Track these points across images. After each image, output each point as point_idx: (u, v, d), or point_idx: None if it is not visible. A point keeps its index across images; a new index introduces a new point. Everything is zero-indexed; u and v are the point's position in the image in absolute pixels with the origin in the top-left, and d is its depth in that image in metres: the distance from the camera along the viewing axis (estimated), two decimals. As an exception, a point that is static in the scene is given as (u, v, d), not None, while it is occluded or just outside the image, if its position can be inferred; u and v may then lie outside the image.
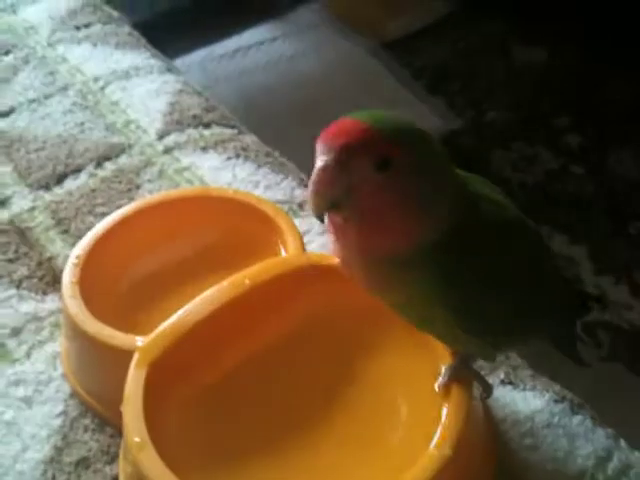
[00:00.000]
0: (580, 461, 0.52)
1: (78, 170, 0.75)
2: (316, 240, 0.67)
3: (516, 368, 0.58)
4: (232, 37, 1.94)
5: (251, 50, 1.91)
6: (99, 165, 0.75)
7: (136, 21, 1.22)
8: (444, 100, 1.68)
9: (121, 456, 0.50)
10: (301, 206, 0.70)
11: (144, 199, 0.63)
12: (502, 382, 0.56)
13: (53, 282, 0.64)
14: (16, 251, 0.67)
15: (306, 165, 0.78)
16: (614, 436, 0.54)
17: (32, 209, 0.71)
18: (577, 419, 0.54)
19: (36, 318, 0.61)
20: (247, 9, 2.01)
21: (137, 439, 0.44)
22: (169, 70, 0.90)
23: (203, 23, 1.91)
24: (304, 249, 0.57)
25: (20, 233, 0.68)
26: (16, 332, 0.60)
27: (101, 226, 0.58)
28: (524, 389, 0.56)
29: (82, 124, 0.81)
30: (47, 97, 0.85)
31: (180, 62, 1.81)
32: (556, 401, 0.55)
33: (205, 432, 0.49)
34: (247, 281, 0.52)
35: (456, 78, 1.76)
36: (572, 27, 1.81)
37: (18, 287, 0.64)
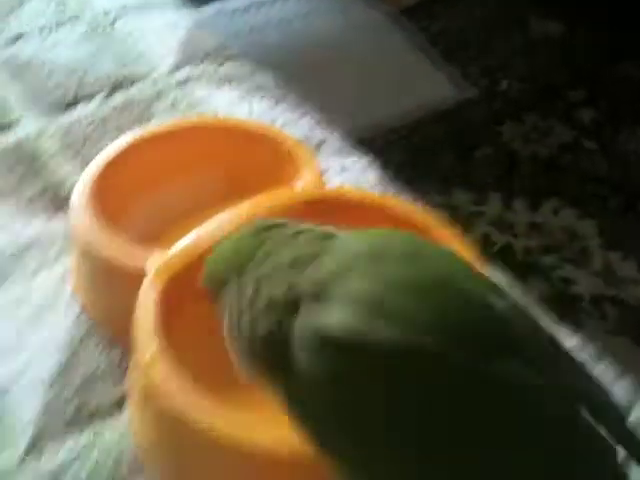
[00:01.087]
0: None
1: (88, 98, 0.73)
2: (334, 179, 0.66)
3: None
4: (246, -7, 1.91)
5: (264, 6, 1.87)
6: (110, 94, 0.74)
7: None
8: (459, 68, 1.66)
9: (131, 372, 0.49)
10: (318, 146, 0.69)
11: (161, 124, 0.61)
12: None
13: (61, 204, 0.63)
14: (24, 172, 0.66)
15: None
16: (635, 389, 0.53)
17: (41, 133, 0.70)
18: (599, 368, 0.54)
19: (43, 238, 0.60)
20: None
21: (148, 354, 0.43)
22: (185, 6, 0.88)
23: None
24: (322, 184, 0.56)
25: (29, 155, 0.67)
26: (24, 250, 0.59)
27: (115, 147, 0.57)
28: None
29: (94, 53, 0.79)
30: (59, 24, 0.83)
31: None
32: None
33: (209, 356, 0.48)
34: (263, 206, 0.51)
35: (472, 46, 1.74)
36: (592, 2, 1.79)
37: (26, 207, 0.63)
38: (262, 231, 0.35)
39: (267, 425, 0.39)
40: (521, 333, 0.30)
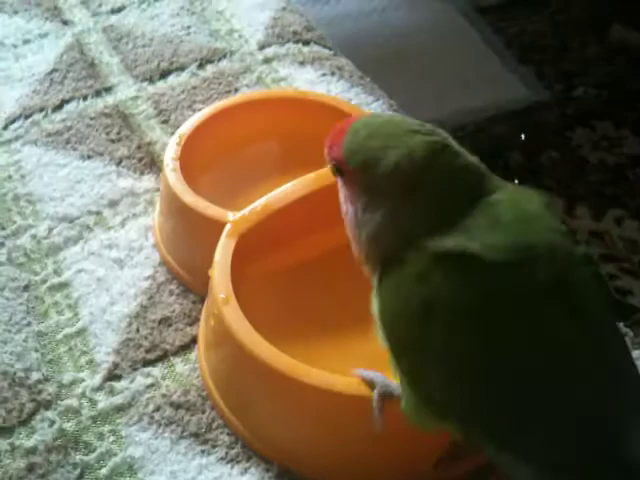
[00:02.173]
0: None
1: (181, 68, 0.78)
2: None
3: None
4: (328, -16, 1.94)
5: (344, -1, 1.91)
6: (201, 66, 0.79)
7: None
8: (534, 71, 1.66)
9: (202, 317, 0.54)
10: (389, 127, 0.73)
11: (247, 93, 0.66)
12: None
13: (150, 164, 0.68)
14: (118, 133, 0.71)
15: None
16: None
17: (136, 98, 0.75)
18: None
19: (132, 193, 0.65)
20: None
21: (222, 295, 0.47)
22: (274, -12, 0.92)
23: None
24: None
25: (123, 117, 0.73)
26: (113, 203, 0.65)
27: (204, 112, 0.62)
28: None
29: (188, 27, 0.84)
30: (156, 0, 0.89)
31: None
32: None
33: (276, 307, 0.53)
34: (329, 176, 0.54)
35: (549, 50, 1.74)
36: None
37: (118, 165, 0.68)
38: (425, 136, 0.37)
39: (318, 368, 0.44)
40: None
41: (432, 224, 0.35)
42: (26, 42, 0.84)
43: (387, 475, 0.44)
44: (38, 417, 0.50)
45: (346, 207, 0.40)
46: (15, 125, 0.73)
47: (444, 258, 0.34)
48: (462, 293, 0.34)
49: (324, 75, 0.78)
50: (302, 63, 0.79)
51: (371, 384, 0.41)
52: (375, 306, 0.37)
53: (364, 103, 0.75)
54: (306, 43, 0.82)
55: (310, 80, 0.77)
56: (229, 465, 0.47)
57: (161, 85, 0.76)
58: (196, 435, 0.48)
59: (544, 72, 1.67)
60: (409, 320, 0.35)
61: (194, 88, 0.75)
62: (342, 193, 0.40)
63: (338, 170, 0.39)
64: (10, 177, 0.68)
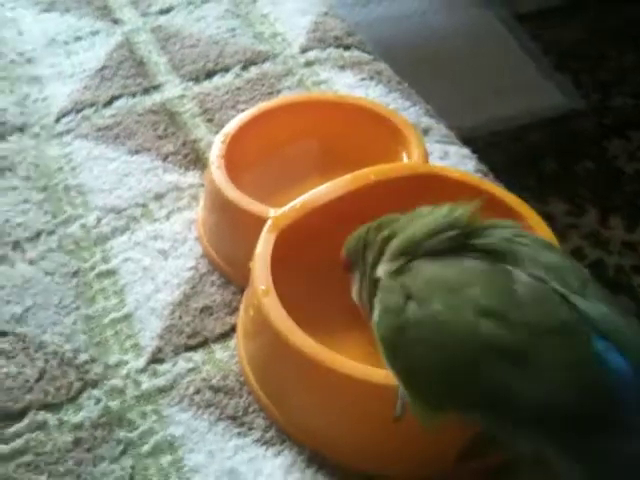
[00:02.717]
0: None
1: (226, 69, 0.81)
2: (435, 163, 0.71)
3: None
4: (369, -14, 1.96)
5: (385, 1, 1.93)
6: (245, 68, 0.82)
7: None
8: (571, 79, 1.67)
9: (242, 307, 0.57)
10: (426, 132, 0.75)
11: (289, 96, 0.69)
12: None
13: (195, 160, 0.71)
14: (165, 129, 0.74)
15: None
16: None
17: (182, 97, 0.78)
18: None
19: (178, 188, 0.69)
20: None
21: (262, 287, 0.50)
22: (319, -6, 0.95)
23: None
24: (428, 163, 0.62)
25: (170, 115, 0.76)
26: (159, 197, 0.68)
27: (248, 112, 0.65)
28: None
29: (233, 30, 0.87)
30: (204, 2, 0.92)
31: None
32: None
33: (311, 299, 0.55)
34: (372, 176, 0.57)
35: (586, 58, 1.74)
36: None
37: (164, 160, 0.71)
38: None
39: (353, 358, 0.46)
40: None
41: None
42: (77, 39, 0.88)
43: (412, 462, 0.46)
44: (85, 395, 0.54)
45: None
46: (67, 119, 0.77)
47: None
48: None
49: (363, 79, 0.80)
50: (342, 67, 0.82)
51: None
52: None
53: (401, 108, 0.77)
54: (347, 48, 0.85)
55: (349, 84, 0.79)
56: (264, 447, 0.50)
57: (206, 85, 0.79)
58: (233, 418, 0.51)
59: (581, 80, 1.68)
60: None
61: (238, 89, 0.78)
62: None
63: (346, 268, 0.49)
64: (61, 169, 0.72)
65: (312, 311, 0.54)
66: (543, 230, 0.54)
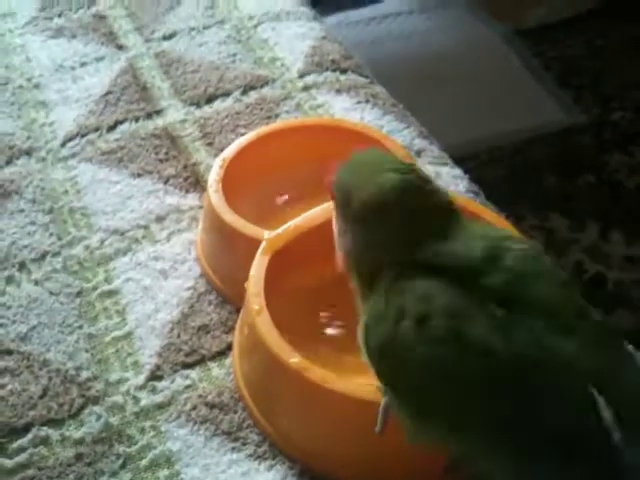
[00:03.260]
0: None
1: (226, 94, 0.84)
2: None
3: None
4: (370, 5, 1.99)
5: (387, 20, 1.96)
6: (245, 92, 0.84)
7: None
8: (572, 94, 1.69)
9: (237, 326, 0.59)
10: (419, 153, 0.77)
11: (285, 121, 0.71)
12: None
13: (195, 183, 0.74)
14: (166, 153, 0.77)
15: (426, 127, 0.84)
16: None
17: (183, 121, 0.81)
18: None
19: (178, 210, 0.71)
20: (390, -20, 2.06)
21: (256, 306, 0.52)
22: (315, 19, 0.98)
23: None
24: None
25: (171, 139, 0.79)
26: (160, 219, 0.70)
27: (245, 138, 0.67)
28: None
29: (234, 55, 0.90)
30: (206, 27, 0.95)
31: (315, 25, 1.89)
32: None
33: (303, 320, 0.57)
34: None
35: (587, 74, 1.76)
36: None
37: (165, 183, 0.74)
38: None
39: (341, 376, 0.48)
40: None
41: (398, 254, 0.41)
42: (83, 65, 0.91)
43: (400, 474, 0.48)
44: (86, 411, 0.56)
45: (334, 228, 0.46)
46: (72, 143, 0.80)
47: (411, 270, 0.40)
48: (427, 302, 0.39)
49: (359, 102, 0.82)
50: (339, 91, 0.84)
51: (382, 392, 0.46)
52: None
53: (396, 130, 0.79)
54: (343, 71, 0.87)
55: (345, 107, 0.82)
56: (257, 461, 0.52)
57: (207, 109, 0.82)
58: (228, 433, 0.53)
59: (582, 95, 1.70)
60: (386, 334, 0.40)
61: (237, 113, 0.81)
62: (334, 216, 0.47)
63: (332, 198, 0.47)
64: (66, 192, 0.74)
65: (305, 331, 0.56)
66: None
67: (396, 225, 0.41)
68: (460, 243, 0.40)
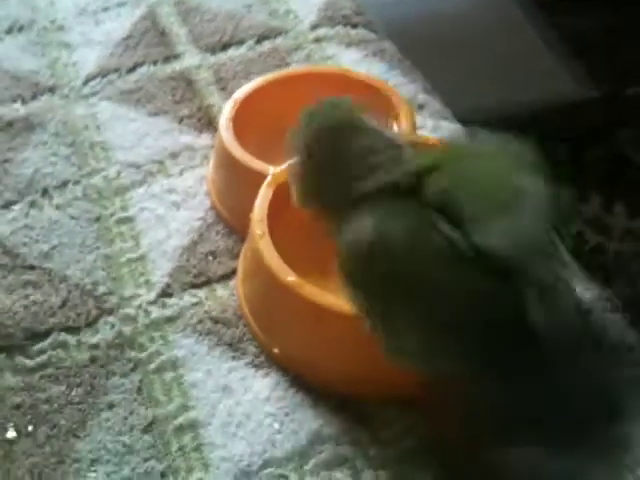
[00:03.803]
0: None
1: (241, 42, 0.88)
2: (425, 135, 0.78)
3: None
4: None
5: (405, -19, 1.97)
6: (258, 42, 0.89)
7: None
8: (585, 67, 1.71)
9: (242, 252, 0.64)
10: (421, 107, 0.81)
11: (295, 68, 0.75)
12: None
13: (208, 124, 0.78)
14: (182, 95, 0.82)
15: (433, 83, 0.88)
16: None
17: (199, 66, 0.86)
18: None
19: (191, 148, 0.76)
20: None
21: (259, 232, 0.58)
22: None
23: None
24: (414, 132, 0.68)
25: (187, 82, 0.83)
26: (174, 155, 0.75)
27: (256, 81, 0.72)
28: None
29: (250, 6, 0.94)
30: (224, -21, 0.99)
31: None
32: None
33: (303, 246, 0.62)
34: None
35: (604, 48, 1.78)
36: None
37: (180, 122, 0.79)
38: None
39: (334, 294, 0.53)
40: None
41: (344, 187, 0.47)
42: (105, 10, 0.95)
43: (382, 384, 0.53)
44: (102, 321, 0.61)
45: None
46: (93, 82, 0.84)
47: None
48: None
49: (367, 56, 0.87)
50: (348, 44, 0.88)
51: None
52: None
53: (401, 84, 0.84)
54: (354, 26, 0.91)
55: (354, 60, 0.86)
56: (254, 369, 0.57)
57: (222, 56, 0.87)
58: (229, 344, 0.59)
59: (596, 69, 1.72)
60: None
61: (251, 61, 0.85)
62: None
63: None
64: (87, 127, 0.79)
65: (303, 256, 0.61)
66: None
67: (336, 160, 0.47)
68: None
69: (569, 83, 1.67)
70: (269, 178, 0.62)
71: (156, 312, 0.62)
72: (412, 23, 1.82)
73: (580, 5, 1.87)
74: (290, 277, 0.54)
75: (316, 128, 0.50)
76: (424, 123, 0.79)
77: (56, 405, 0.56)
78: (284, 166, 0.63)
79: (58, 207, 0.71)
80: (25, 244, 0.67)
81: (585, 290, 0.64)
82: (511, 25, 1.82)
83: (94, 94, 0.83)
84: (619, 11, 1.87)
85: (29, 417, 0.56)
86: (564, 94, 1.67)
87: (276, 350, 0.57)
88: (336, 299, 0.52)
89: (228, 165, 0.67)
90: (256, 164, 0.64)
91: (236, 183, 0.67)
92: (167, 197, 0.71)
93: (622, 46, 1.77)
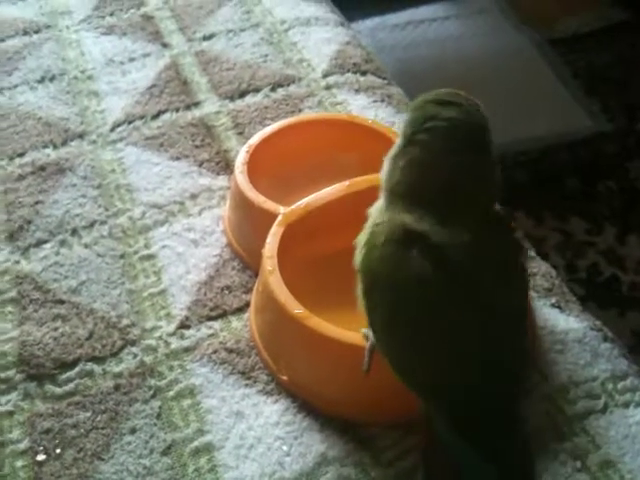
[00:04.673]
0: (596, 372, 0.64)
1: (257, 90, 0.94)
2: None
3: (569, 301, 0.71)
4: (407, 10, 2.07)
5: (423, 25, 2.03)
6: (273, 89, 0.94)
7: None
8: (599, 103, 1.75)
9: (255, 287, 0.69)
10: (425, 148, 0.86)
11: (306, 115, 0.81)
12: (552, 305, 0.69)
13: (225, 167, 0.84)
14: (202, 140, 0.87)
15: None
16: (636, 372, 0.64)
17: (218, 112, 0.91)
18: (606, 345, 0.65)
19: (209, 189, 0.81)
20: (428, -14, 2.13)
21: (269, 267, 0.62)
22: (342, 24, 1.08)
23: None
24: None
25: (206, 128, 0.89)
26: (194, 196, 0.81)
27: (269, 128, 0.78)
28: (569, 315, 0.69)
29: (266, 55, 1.00)
30: (242, 30, 1.05)
31: (354, 26, 1.97)
32: (592, 329, 0.67)
33: (311, 282, 0.67)
34: (366, 184, 0.69)
35: (615, 83, 1.82)
36: None
37: (200, 166, 0.84)
38: None
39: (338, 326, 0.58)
40: None
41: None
42: (132, 60, 1.02)
43: (384, 409, 0.57)
44: (125, 351, 0.66)
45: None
46: (120, 129, 0.91)
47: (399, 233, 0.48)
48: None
49: (375, 101, 0.92)
50: (357, 90, 0.94)
51: (366, 338, 0.55)
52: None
53: (406, 127, 0.88)
54: (363, 73, 0.97)
55: (362, 105, 0.91)
56: (265, 396, 0.62)
57: (239, 103, 0.92)
58: (242, 373, 0.63)
59: (609, 104, 1.76)
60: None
61: (266, 107, 0.91)
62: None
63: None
64: (114, 170, 0.85)
65: (310, 290, 0.66)
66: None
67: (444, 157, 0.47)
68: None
69: (583, 118, 1.71)
70: (280, 217, 0.67)
71: (175, 343, 0.66)
72: (433, 64, 1.88)
73: (593, 43, 1.92)
74: (297, 310, 0.59)
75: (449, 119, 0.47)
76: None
77: (82, 430, 0.61)
78: (293, 207, 0.68)
79: (86, 245, 0.76)
80: (55, 280, 0.73)
81: (577, 320, 0.68)
82: (527, 64, 1.87)
83: (121, 140, 0.89)
84: (632, 47, 1.91)
85: (57, 441, 0.60)
86: (578, 129, 1.71)
87: (285, 377, 0.61)
88: (340, 330, 0.57)
89: (242, 206, 0.72)
90: (268, 205, 0.69)
91: (250, 222, 0.72)
92: (187, 235, 0.77)
93: (634, 81, 1.81)
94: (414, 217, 0.47)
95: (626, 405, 0.61)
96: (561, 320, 0.68)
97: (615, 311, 1.30)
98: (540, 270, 0.72)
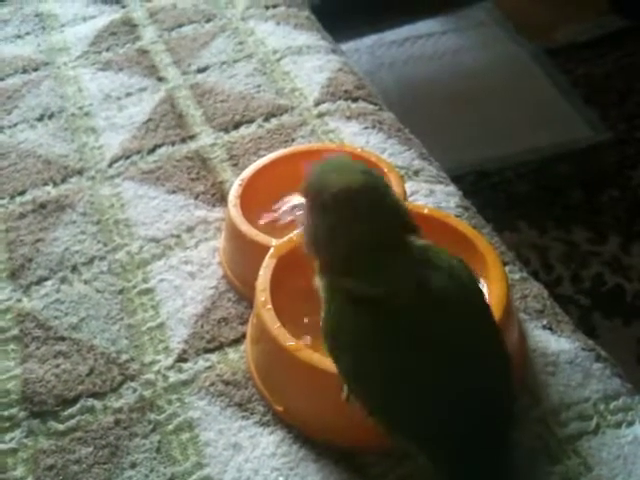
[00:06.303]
0: (588, 393, 0.64)
1: (250, 121, 0.96)
2: (420, 200, 0.83)
3: (561, 322, 0.72)
4: (404, 26, 2.09)
5: (420, 40, 2.05)
6: (267, 119, 0.96)
7: (318, 3, 1.42)
8: (598, 112, 1.76)
9: (250, 319, 0.70)
10: (416, 173, 0.87)
11: (295, 146, 0.83)
12: (543, 327, 0.70)
13: (221, 199, 0.85)
14: (197, 173, 0.89)
15: (432, 144, 0.95)
16: (629, 390, 0.65)
17: (213, 145, 0.93)
18: (597, 365, 0.66)
19: (205, 222, 0.83)
20: (424, 1, 2.16)
21: (262, 299, 0.64)
22: (333, 51, 1.10)
23: (380, 11, 2.07)
24: (405, 199, 0.74)
25: (202, 161, 0.91)
26: (190, 229, 0.82)
27: (262, 161, 0.79)
28: (560, 336, 0.70)
29: (259, 86, 1.02)
30: (235, 61, 1.07)
31: (352, 44, 1.99)
32: (584, 349, 0.68)
33: (303, 314, 0.68)
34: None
35: (614, 92, 1.83)
36: None
37: (195, 198, 0.86)
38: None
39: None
40: None
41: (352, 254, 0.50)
42: (128, 95, 1.04)
43: (378, 436, 0.58)
44: (125, 386, 0.68)
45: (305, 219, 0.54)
46: (117, 164, 0.93)
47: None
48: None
49: (366, 128, 0.94)
50: (349, 117, 0.95)
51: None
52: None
53: (397, 152, 0.90)
54: (354, 100, 0.99)
55: (354, 132, 0.93)
56: (262, 427, 0.63)
57: (234, 134, 0.94)
58: (239, 404, 0.65)
59: (608, 113, 1.77)
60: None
61: (260, 138, 0.93)
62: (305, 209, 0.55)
63: (305, 193, 0.54)
64: (112, 206, 0.87)
65: (302, 321, 0.67)
66: (491, 256, 0.66)
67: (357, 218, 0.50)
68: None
69: (583, 128, 1.72)
70: (272, 250, 0.68)
71: (173, 376, 0.68)
72: (433, 78, 1.89)
73: (591, 52, 1.93)
74: (289, 342, 0.60)
75: (338, 189, 0.50)
76: (418, 188, 0.85)
77: (85, 465, 0.62)
78: (285, 239, 0.69)
79: (86, 282, 0.78)
80: (56, 317, 0.75)
81: (569, 341, 0.68)
82: (525, 75, 1.89)
83: (118, 175, 0.91)
84: (630, 55, 1.92)
85: (61, 477, 0.62)
86: (578, 138, 1.72)
87: (280, 408, 0.63)
88: (330, 362, 0.58)
89: (236, 238, 0.74)
90: (261, 237, 0.71)
91: (243, 255, 0.74)
92: (183, 268, 0.78)
93: (634, 89, 1.82)
94: (352, 279, 0.50)
95: (618, 425, 0.62)
96: (552, 341, 0.69)
97: (620, 320, 1.31)
98: (532, 291, 0.73)
